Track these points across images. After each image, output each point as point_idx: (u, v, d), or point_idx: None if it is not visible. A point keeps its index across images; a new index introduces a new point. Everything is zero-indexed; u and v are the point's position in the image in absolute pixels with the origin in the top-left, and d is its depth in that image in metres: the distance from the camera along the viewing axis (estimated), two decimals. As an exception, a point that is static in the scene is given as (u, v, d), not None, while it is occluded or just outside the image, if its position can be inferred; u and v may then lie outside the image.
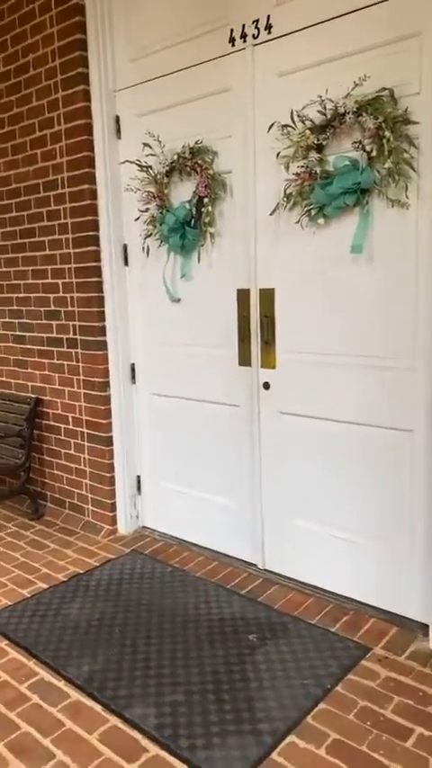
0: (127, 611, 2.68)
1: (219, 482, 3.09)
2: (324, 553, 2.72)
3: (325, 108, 2.33)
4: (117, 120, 3.15)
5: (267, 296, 2.71)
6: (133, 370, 3.38)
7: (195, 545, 3.23)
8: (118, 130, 3.16)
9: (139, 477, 3.49)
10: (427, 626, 2.41)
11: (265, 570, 2.94)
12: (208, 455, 3.11)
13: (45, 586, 2.93)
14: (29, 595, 2.85)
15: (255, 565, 2.98)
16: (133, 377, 3.39)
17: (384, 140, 2.18)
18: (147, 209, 3.02)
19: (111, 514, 3.48)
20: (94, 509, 3.55)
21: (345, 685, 2.16)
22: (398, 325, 2.34)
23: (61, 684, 2.22)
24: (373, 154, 2.21)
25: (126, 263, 3.28)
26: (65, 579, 2.99)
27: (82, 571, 3.07)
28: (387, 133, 2.17)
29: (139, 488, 3.49)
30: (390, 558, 2.51)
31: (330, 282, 2.50)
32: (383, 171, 2.23)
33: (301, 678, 2.20)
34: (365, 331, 2.43)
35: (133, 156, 3.05)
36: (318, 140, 2.36)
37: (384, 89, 2.19)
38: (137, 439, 3.46)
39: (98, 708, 2.10)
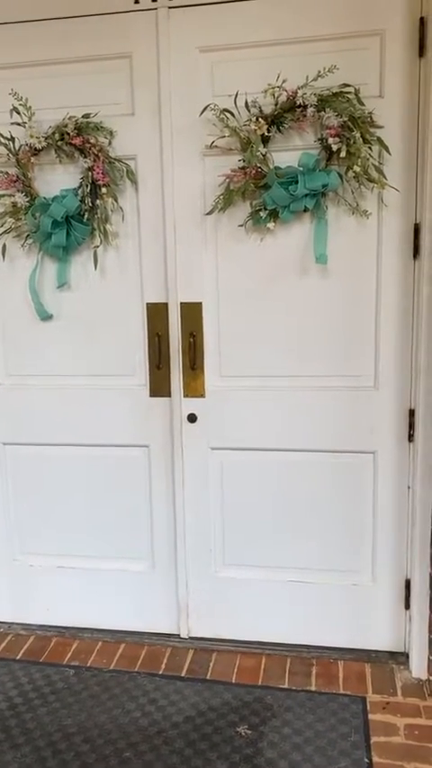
0: (57, 754, 1.91)
1: (118, 544, 2.46)
2: (265, 601, 2.38)
3: (275, 97, 2.04)
4: None
5: (193, 311, 2.26)
6: (-31, 413, 2.49)
7: (86, 629, 2.52)
8: None
9: (-18, 557, 2.58)
10: (398, 654, 2.31)
11: (191, 639, 2.45)
12: (99, 513, 2.45)
13: None
14: None
15: (176, 635, 2.46)
16: (-32, 423, 2.49)
17: (351, 141, 2.00)
18: (1, 197, 2.24)
19: None
20: None
21: (379, 752, 1.89)
22: (354, 343, 2.19)
23: None
24: (342, 154, 2.01)
25: None
26: None
27: None
28: (356, 134, 1.99)
29: (-17, 572, 2.59)
30: (348, 592, 2.32)
31: (280, 295, 2.20)
32: (350, 174, 2.04)
33: (334, 763, 1.85)
34: (320, 349, 2.21)
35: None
36: (268, 132, 2.06)
37: (348, 85, 2.01)
38: (-22, 506, 2.55)
39: None
